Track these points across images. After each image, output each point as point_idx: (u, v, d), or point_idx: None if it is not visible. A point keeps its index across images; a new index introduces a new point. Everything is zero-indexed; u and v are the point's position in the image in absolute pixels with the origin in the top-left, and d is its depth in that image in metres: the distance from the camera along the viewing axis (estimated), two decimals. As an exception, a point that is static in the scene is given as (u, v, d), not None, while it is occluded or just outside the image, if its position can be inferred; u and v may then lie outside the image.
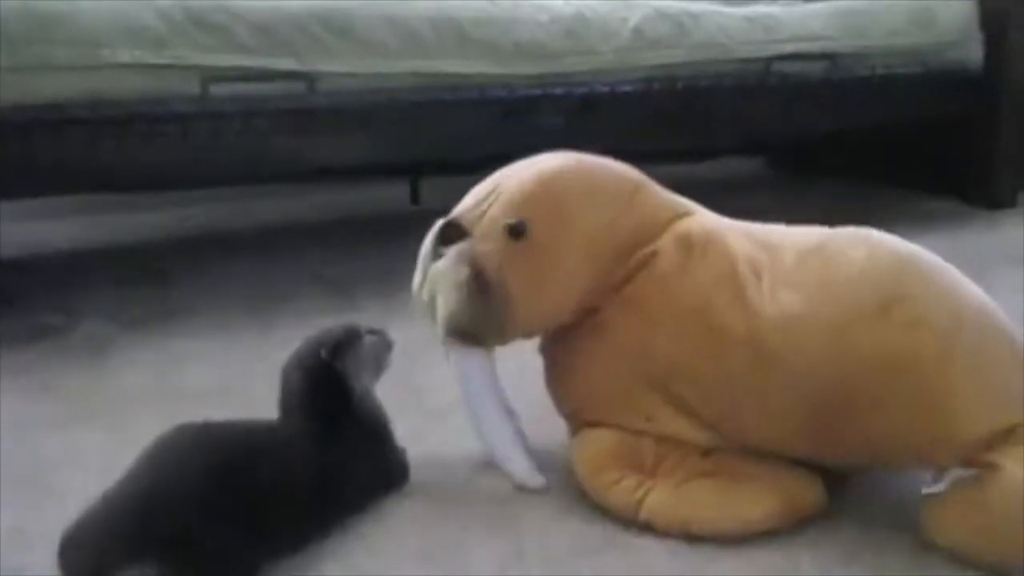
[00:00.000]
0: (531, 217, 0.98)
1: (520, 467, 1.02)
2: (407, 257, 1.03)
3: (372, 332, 1.02)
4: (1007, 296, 1.00)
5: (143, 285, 1.82)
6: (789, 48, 2.07)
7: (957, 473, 0.88)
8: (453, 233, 0.99)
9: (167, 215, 2.37)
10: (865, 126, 2.33)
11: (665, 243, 1.01)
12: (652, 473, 0.96)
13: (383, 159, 1.89)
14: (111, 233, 2.27)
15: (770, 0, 2.21)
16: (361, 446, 0.98)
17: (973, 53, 2.30)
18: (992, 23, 2.30)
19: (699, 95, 1.99)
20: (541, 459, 1.03)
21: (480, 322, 0.98)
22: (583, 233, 1.00)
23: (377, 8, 1.68)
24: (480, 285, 0.96)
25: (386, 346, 1.02)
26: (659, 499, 0.93)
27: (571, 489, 1.00)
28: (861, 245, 0.96)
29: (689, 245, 1.00)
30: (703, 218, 1.06)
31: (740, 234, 1.02)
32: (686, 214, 1.05)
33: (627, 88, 1.90)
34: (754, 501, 0.93)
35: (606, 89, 1.88)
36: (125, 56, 1.50)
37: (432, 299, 0.99)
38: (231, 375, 1.33)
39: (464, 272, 0.96)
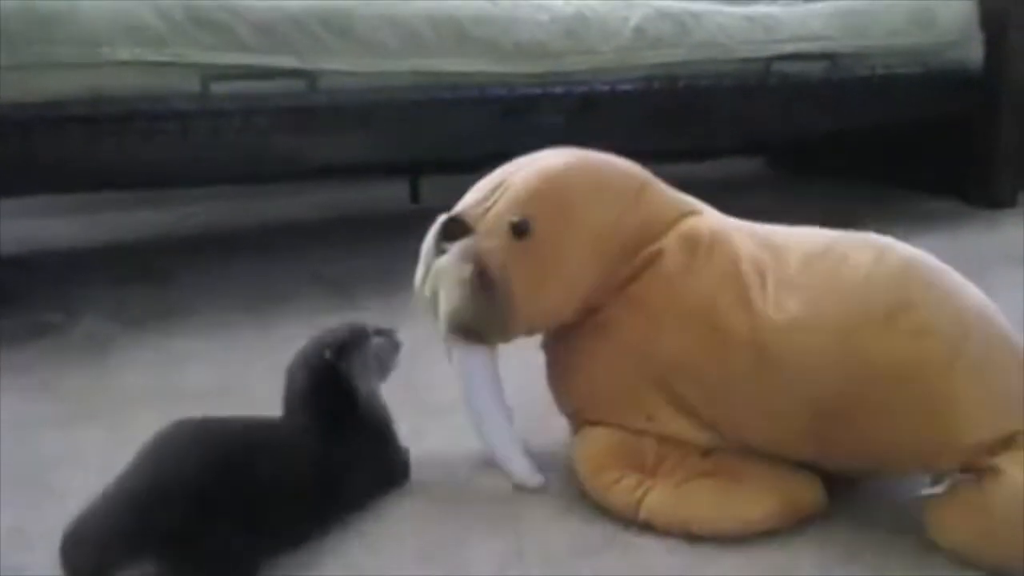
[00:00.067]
0: (535, 214, 0.97)
1: (520, 466, 1.02)
2: (407, 256, 1.03)
3: (380, 332, 1.01)
4: (1007, 296, 1.00)
5: (143, 284, 1.82)
6: (789, 48, 2.07)
7: (957, 475, 0.88)
8: (456, 229, 0.99)
9: (167, 213, 2.37)
10: (865, 126, 2.33)
11: (670, 242, 1.00)
12: (652, 473, 0.96)
13: (383, 158, 1.89)
14: (111, 231, 2.26)
15: (770, 0, 2.20)
16: (364, 446, 0.98)
17: (973, 53, 2.30)
18: (992, 23, 2.30)
19: (699, 95, 1.99)
20: (541, 458, 1.03)
21: (483, 319, 0.98)
22: (588, 231, 0.99)
23: (377, 7, 1.68)
24: (483, 282, 0.96)
25: (393, 347, 1.02)
26: (659, 499, 0.93)
27: (571, 488, 1.00)
28: (867, 250, 0.96)
29: (695, 245, 1.00)
30: (709, 218, 1.05)
31: (746, 235, 1.02)
32: (692, 213, 1.05)
33: (627, 87, 1.90)
34: (754, 501, 0.93)
35: (606, 88, 1.88)
36: (125, 54, 1.50)
37: (434, 295, 0.99)
38: (231, 374, 1.33)
39: (467, 269, 0.96)
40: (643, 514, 0.93)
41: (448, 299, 0.98)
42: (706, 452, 0.97)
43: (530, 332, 1.04)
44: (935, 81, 2.26)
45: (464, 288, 0.96)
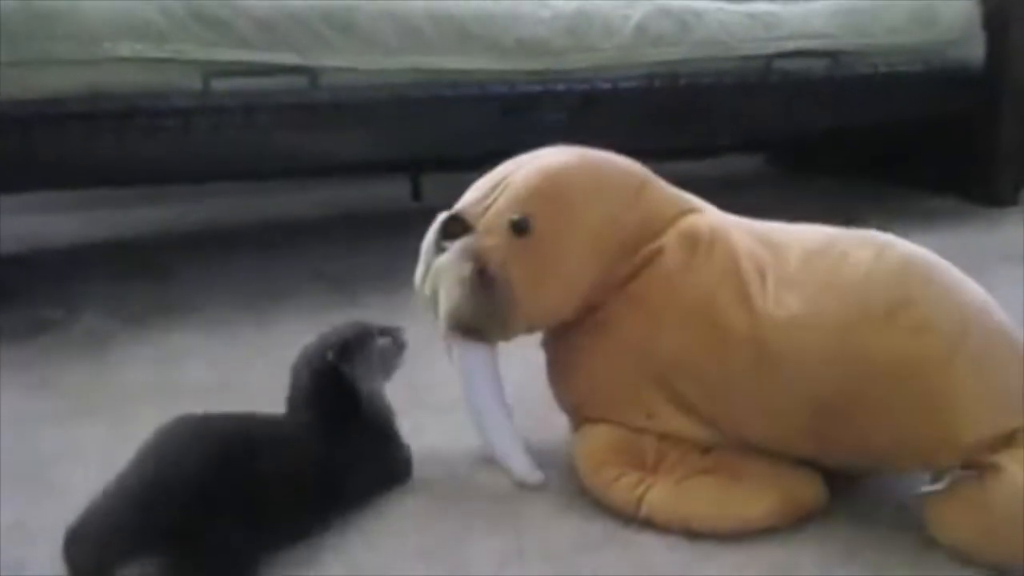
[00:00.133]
0: (535, 212, 0.97)
1: (520, 463, 1.02)
2: (408, 254, 1.03)
3: (384, 332, 1.01)
4: (1008, 294, 1.00)
5: (143, 280, 1.82)
6: (791, 46, 2.06)
7: (957, 472, 0.88)
8: (456, 228, 0.99)
9: (168, 210, 2.37)
10: (866, 124, 2.33)
11: (670, 240, 1.00)
12: (653, 470, 0.96)
13: (384, 155, 1.88)
14: (111, 228, 2.26)
15: (771, -2, 2.20)
16: (366, 445, 0.98)
17: (975, 51, 2.29)
18: (994, 21, 2.30)
19: (700, 92, 1.99)
20: (541, 456, 1.03)
21: (483, 317, 0.98)
22: (588, 228, 0.99)
23: (378, 4, 1.68)
24: (483, 281, 0.96)
25: (398, 347, 1.02)
26: (659, 496, 0.93)
27: (571, 486, 1.00)
28: (867, 247, 0.96)
29: (694, 242, 1.00)
30: (709, 215, 1.05)
31: (745, 232, 1.02)
32: (691, 211, 1.05)
33: (628, 85, 1.90)
34: (754, 499, 0.93)
35: (607, 86, 1.88)
36: (126, 50, 1.50)
37: (434, 293, 0.99)
38: (231, 371, 1.33)
39: (467, 267, 0.96)
40: (643, 511, 0.93)
41: (448, 297, 0.98)
42: (706, 449, 0.98)
43: (530, 330, 1.04)
44: (936, 79, 2.25)
45: (464, 286, 0.96)
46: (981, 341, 0.90)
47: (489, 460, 1.04)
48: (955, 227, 2.14)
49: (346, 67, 1.65)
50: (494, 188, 1.00)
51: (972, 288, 0.95)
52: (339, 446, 0.95)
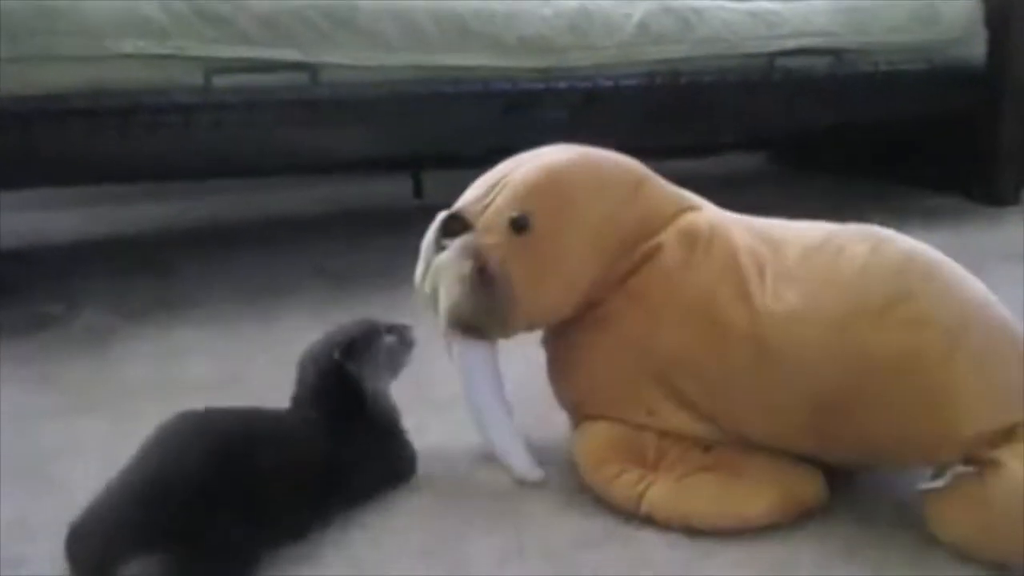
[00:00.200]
0: (535, 210, 0.98)
1: (520, 461, 1.02)
2: (409, 251, 1.03)
3: (392, 330, 1.01)
4: (1008, 293, 0.99)
5: (144, 276, 1.82)
6: (792, 44, 2.06)
7: (957, 468, 0.88)
8: (456, 226, 0.99)
9: (169, 206, 2.37)
10: (868, 122, 2.33)
11: (669, 237, 1.00)
12: (653, 467, 0.96)
13: (385, 152, 1.89)
14: (112, 224, 2.26)
15: (774, -4, 2.20)
16: (370, 443, 0.98)
17: (976, 50, 2.29)
18: (996, 20, 2.29)
19: (702, 90, 1.99)
20: (542, 453, 1.03)
21: (483, 315, 0.98)
22: (588, 226, 0.99)
23: (380, 1, 1.67)
24: (483, 279, 0.96)
25: (405, 345, 1.02)
26: (660, 493, 0.93)
27: (571, 483, 1.00)
28: (865, 242, 0.96)
29: (693, 239, 1.00)
30: (708, 212, 1.05)
31: (744, 228, 1.02)
32: (690, 208, 1.05)
33: (630, 83, 1.90)
34: (755, 496, 0.93)
35: (609, 83, 1.88)
36: (128, 47, 1.50)
37: (434, 291, 0.99)
38: (232, 367, 1.33)
39: (467, 265, 0.96)
40: (644, 508, 0.93)
41: (448, 295, 0.98)
42: (707, 447, 0.98)
43: (530, 328, 1.04)
44: (938, 78, 2.25)
45: (464, 284, 0.96)
46: (982, 336, 0.90)
47: (489, 457, 1.04)
48: (956, 226, 2.14)
49: (347, 64, 1.65)
50: (494, 186, 1.00)
51: (974, 284, 0.95)
52: (343, 444, 0.95)
